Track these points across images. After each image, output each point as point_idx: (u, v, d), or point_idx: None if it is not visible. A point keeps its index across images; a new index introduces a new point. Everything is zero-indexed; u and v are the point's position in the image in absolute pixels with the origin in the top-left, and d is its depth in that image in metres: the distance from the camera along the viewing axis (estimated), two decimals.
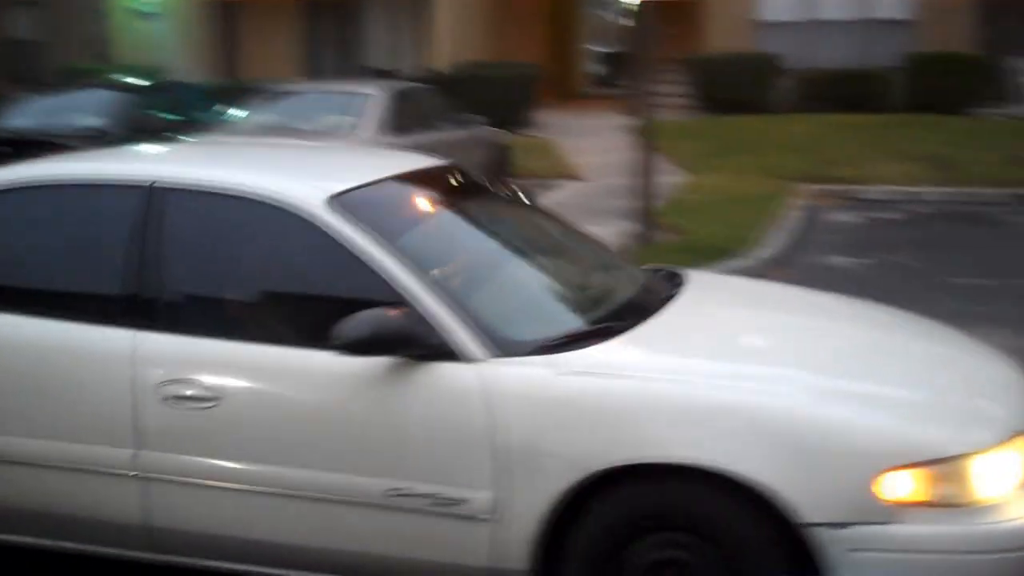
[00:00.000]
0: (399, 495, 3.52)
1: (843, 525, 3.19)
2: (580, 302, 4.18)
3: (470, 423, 3.45)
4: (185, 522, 3.81)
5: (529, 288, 4.16)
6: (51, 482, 3.90)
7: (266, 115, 11.55)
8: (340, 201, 3.85)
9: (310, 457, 3.62)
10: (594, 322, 3.85)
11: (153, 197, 3.96)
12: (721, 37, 21.91)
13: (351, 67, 23.76)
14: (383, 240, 3.73)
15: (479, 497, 3.45)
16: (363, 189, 4.07)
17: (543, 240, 4.77)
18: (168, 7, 21.98)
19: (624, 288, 4.37)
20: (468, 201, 4.73)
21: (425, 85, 13.89)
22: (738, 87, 20.72)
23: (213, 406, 3.69)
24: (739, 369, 3.62)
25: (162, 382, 3.75)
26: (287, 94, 12.36)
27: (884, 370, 3.80)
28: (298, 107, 11.71)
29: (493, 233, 4.56)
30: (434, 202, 4.50)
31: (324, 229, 3.75)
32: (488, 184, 5.19)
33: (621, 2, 40.03)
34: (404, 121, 11.49)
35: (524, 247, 4.54)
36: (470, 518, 3.47)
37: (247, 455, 3.69)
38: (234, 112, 11.82)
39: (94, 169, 4.42)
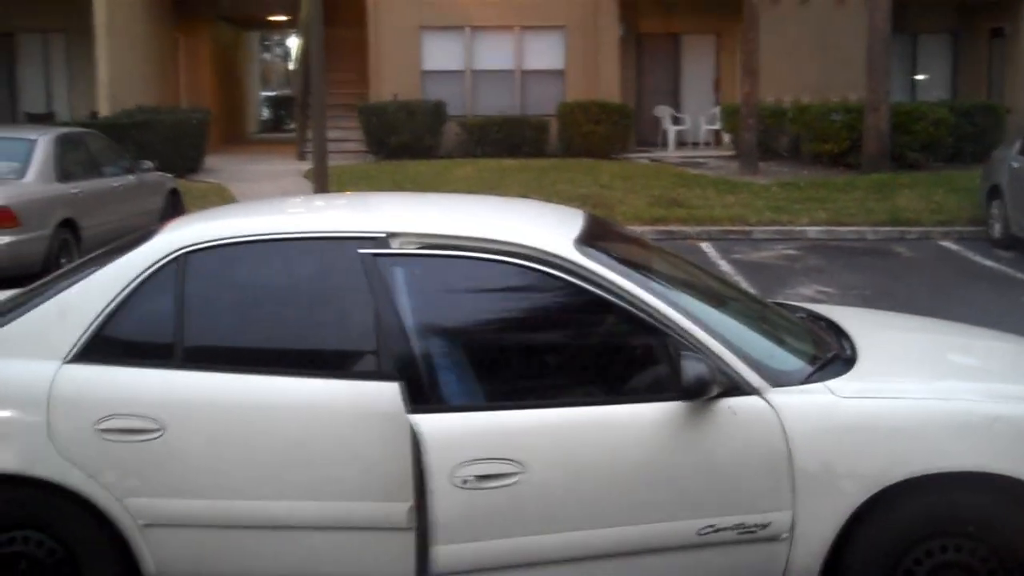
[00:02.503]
0: (713, 531, 3.61)
1: None
2: (780, 336, 4.25)
3: (770, 450, 3.60)
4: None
5: (736, 325, 4.11)
6: (316, 545, 3.73)
7: None
8: (582, 246, 3.88)
9: (621, 514, 3.60)
10: (812, 357, 4.03)
11: (384, 249, 3.80)
12: (389, 85, 22.64)
13: (2, 110, 22.61)
14: (651, 283, 3.83)
15: (779, 518, 3.62)
16: (585, 234, 4.05)
17: (701, 280, 4.73)
18: None
19: (792, 322, 4.53)
20: (634, 244, 4.76)
21: (89, 130, 13.54)
22: (407, 133, 21.49)
23: (515, 482, 3.53)
24: (976, 385, 3.97)
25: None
26: None
27: None
28: None
29: (675, 273, 4.50)
30: (631, 247, 4.55)
31: (585, 275, 3.74)
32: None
33: (288, 48, 40.26)
34: (71, 167, 11.24)
35: (704, 288, 4.53)
36: (770, 539, 3.63)
37: (550, 525, 3.58)
38: None
39: (324, 222, 4.19)
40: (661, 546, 3.63)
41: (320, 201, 5.33)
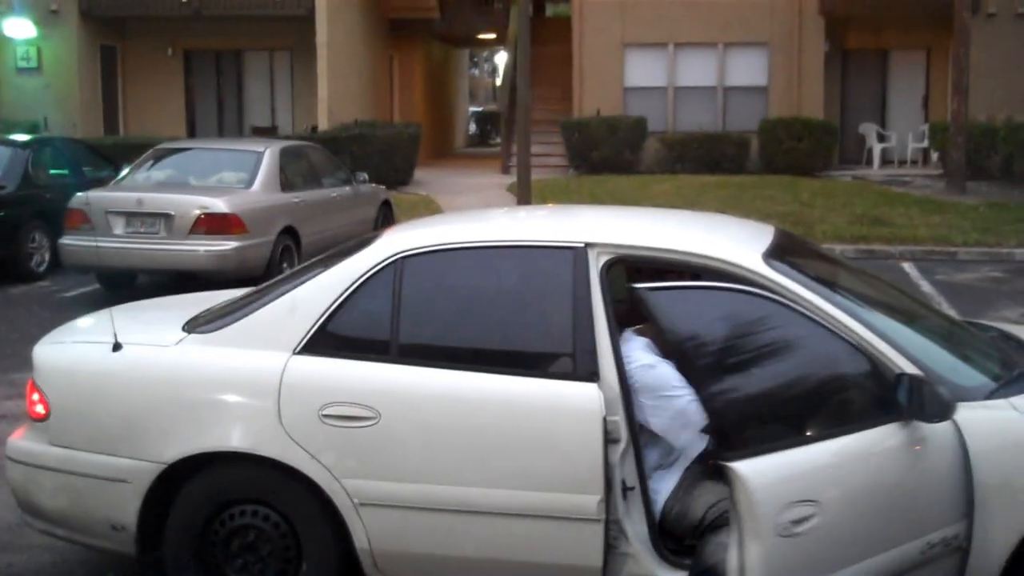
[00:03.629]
0: (930, 548, 3.68)
1: None
2: (966, 352, 4.31)
3: (951, 463, 3.66)
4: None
5: (921, 339, 4.14)
6: (510, 530, 3.96)
7: (158, 171, 11.90)
8: (771, 259, 4.01)
9: (883, 540, 3.64)
10: (997, 374, 4.07)
11: (583, 258, 4.08)
12: (592, 101, 23.04)
13: (231, 123, 24.13)
14: (837, 296, 3.96)
15: (960, 531, 3.68)
16: (774, 248, 4.18)
17: (888, 294, 4.75)
18: (48, 62, 22.05)
19: (980, 340, 4.58)
20: (822, 259, 4.85)
21: (310, 143, 14.37)
22: (608, 148, 21.85)
23: (815, 523, 3.52)
24: None
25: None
26: (178, 151, 12.68)
27: None
28: (189, 164, 12.00)
29: (862, 288, 4.57)
30: (817, 261, 4.67)
31: (776, 288, 3.87)
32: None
33: (496, 64, 41.27)
34: (293, 178, 11.96)
35: (890, 303, 4.56)
36: (953, 553, 3.71)
37: (839, 562, 3.60)
38: (126, 169, 12.13)
39: (526, 231, 4.57)
40: (906, 567, 3.69)
41: (522, 212, 5.62)
